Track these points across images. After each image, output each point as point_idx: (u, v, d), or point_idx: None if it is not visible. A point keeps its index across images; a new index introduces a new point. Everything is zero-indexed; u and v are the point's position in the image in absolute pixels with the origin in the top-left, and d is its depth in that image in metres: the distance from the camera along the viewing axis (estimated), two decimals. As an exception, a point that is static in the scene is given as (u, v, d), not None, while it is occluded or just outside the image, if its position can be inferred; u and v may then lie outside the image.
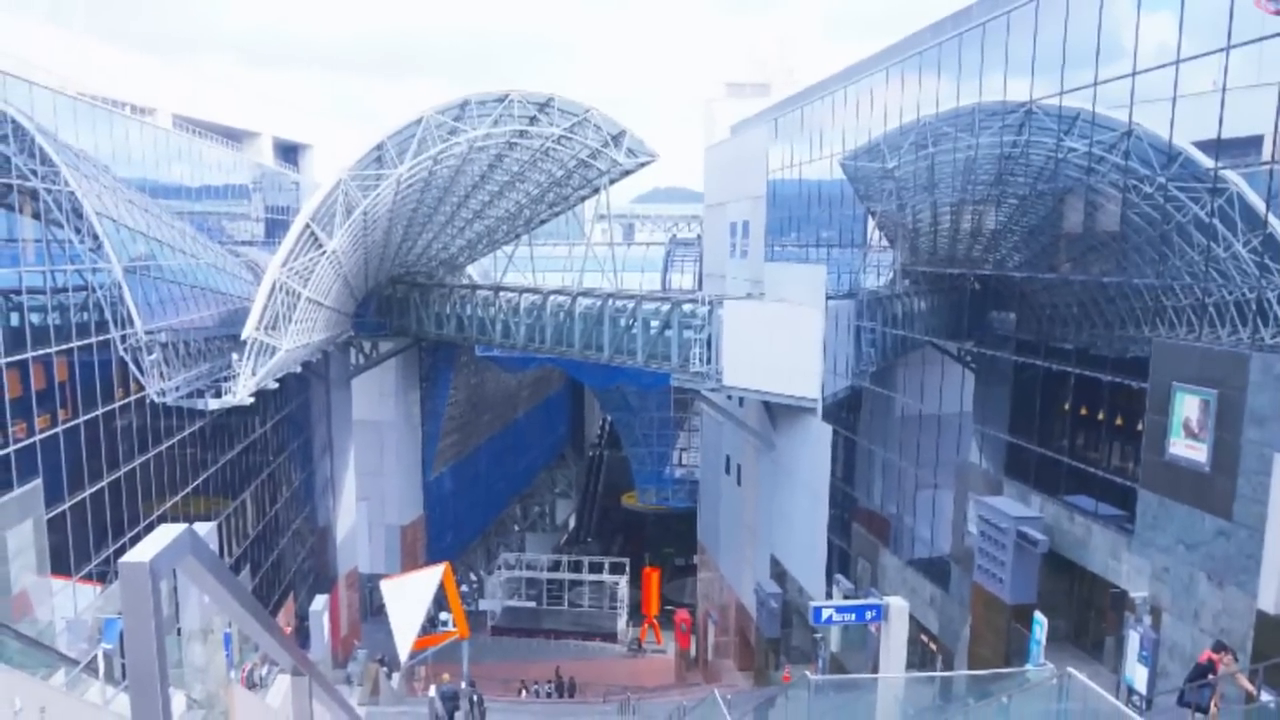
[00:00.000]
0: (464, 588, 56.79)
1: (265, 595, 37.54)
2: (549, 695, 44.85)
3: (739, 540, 44.66)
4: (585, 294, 42.96)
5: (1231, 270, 15.57)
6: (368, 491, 54.56)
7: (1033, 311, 22.41)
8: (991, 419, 23.72)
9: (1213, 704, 12.81)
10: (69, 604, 22.85)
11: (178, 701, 15.79)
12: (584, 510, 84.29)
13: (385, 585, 27.60)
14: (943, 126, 24.76)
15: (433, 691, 23.83)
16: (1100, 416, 19.55)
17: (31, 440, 21.79)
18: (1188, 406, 16.31)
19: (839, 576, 32.00)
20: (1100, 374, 19.34)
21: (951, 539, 25.27)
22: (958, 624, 24.13)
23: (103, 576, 24.46)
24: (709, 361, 35.43)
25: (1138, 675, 16.19)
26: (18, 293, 22.17)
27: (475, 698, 23.62)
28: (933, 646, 25.89)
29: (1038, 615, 18.69)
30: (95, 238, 24.34)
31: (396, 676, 36.66)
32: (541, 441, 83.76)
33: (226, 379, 29.82)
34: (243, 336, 28.84)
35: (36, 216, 22.96)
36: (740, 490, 44.51)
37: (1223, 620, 15.63)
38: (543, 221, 53.08)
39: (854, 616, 20.26)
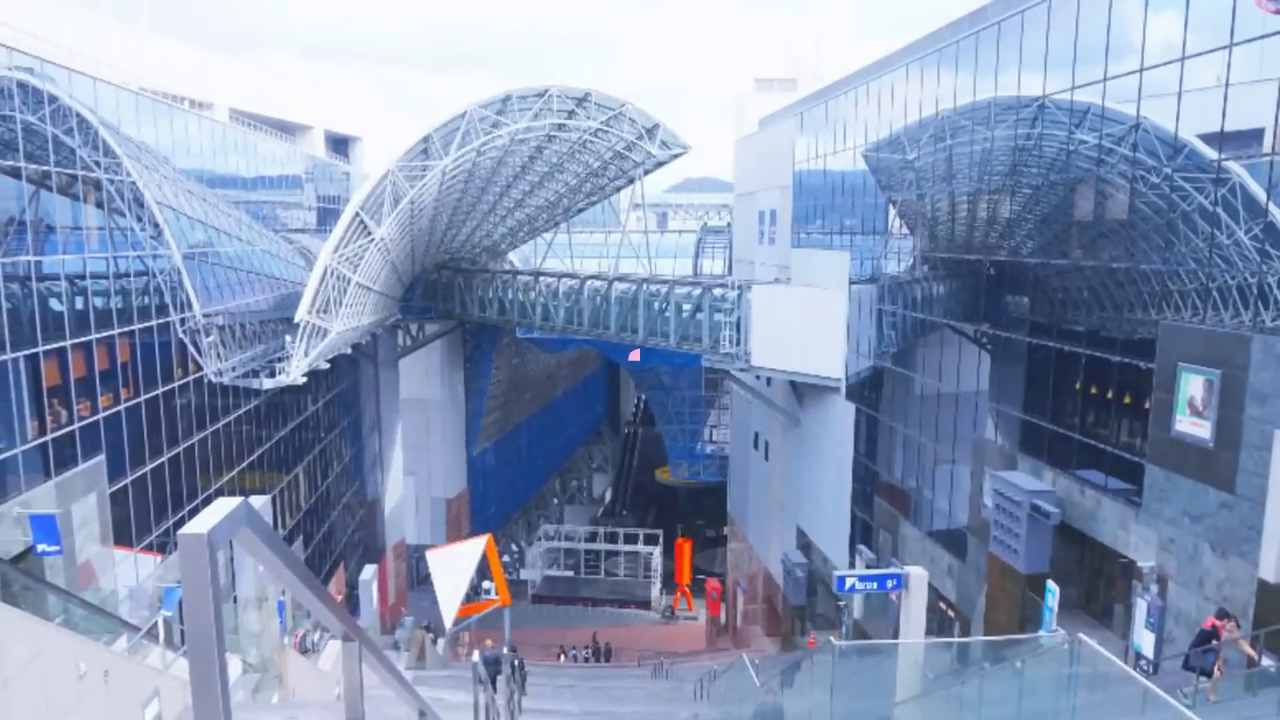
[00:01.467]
0: (506, 558, 58.07)
1: (317, 565, 38.23)
2: (586, 659, 45.50)
3: (767, 513, 45.25)
4: (621, 279, 43.56)
5: (1234, 256, 15.84)
6: (414, 466, 55.53)
7: (1045, 295, 22.58)
8: (1006, 398, 23.96)
9: (1216, 668, 13.18)
10: (131, 573, 23.20)
11: (234, 666, 16.49)
12: (620, 484, 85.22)
13: (431, 555, 27.65)
14: (960, 120, 25.00)
15: (476, 656, 24.18)
16: (1109, 395, 19.76)
17: (95, 418, 22.20)
18: (1193, 385, 16.62)
19: (861, 547, 32.59)
20: (1109, 355, 19.57)
21: (968, 511, 25.54)
22: (974, 592, 24.52)
23: (163, 547, 24.92)
24: (738, 343, 36.05)
25: (1145, 641, 16.73)
26: (82, 278, 22.54)
27: (516, 662, 23.77)
28: (951, 613, 26.26)
29: (1050, 584, 19.10)
30: (156, 225, 25.04)
31: (441, 642, 37.15)
32: (579, 419, 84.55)
33: (280, 360, 30.64)
34: (296, 319, 29.67)
35: (100, 205, 23.42)
36: (768, 465, 45.04)
37: (1226, 588, 15.92)
38: (580, 210, 53.42)
39: (876, 585, 20.58)
